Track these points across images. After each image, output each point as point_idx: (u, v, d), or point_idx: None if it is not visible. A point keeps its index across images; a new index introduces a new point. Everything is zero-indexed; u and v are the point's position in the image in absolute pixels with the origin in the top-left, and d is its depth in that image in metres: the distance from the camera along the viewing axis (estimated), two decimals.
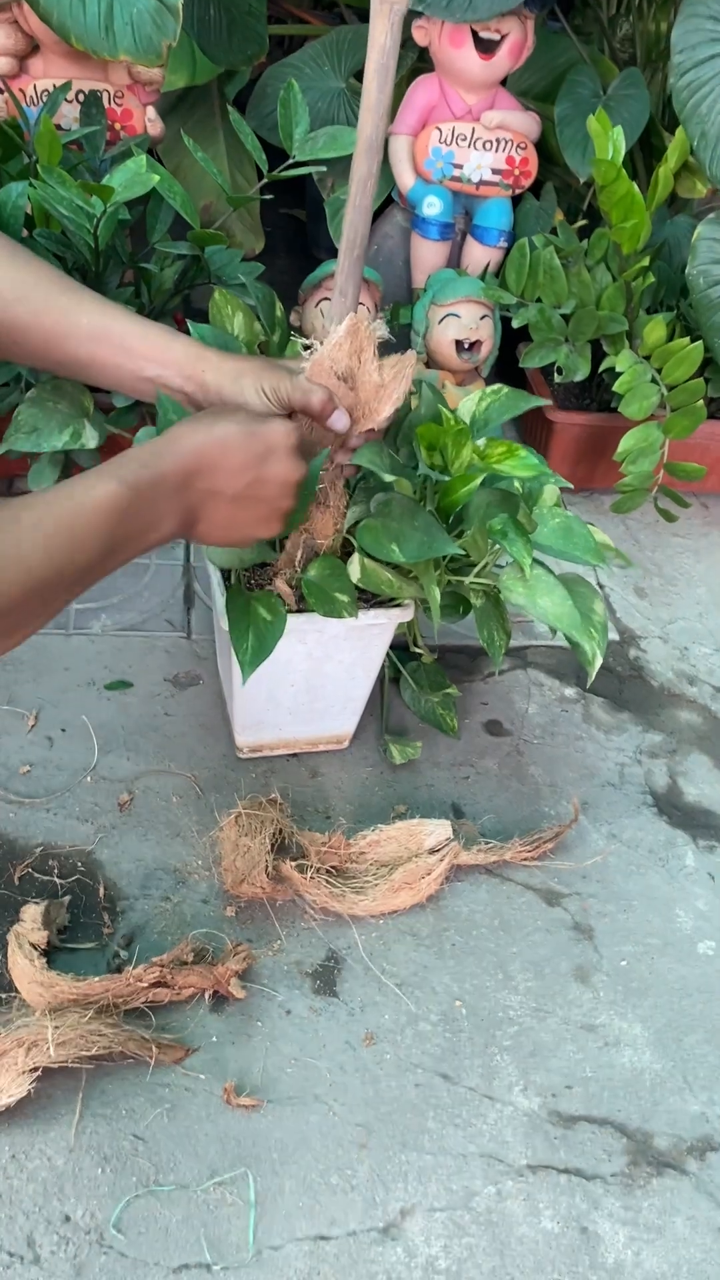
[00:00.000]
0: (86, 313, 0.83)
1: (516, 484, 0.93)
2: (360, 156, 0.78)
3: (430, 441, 0.89)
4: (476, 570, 0.97)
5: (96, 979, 0.87)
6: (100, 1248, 0.78)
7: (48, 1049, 0.82)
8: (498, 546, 0.97)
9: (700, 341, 1.30)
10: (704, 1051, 0.95)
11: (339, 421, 0.85)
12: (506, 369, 1.58)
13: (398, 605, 1.00)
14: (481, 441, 0.94)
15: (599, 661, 0.97)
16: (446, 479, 0.91)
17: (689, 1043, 0.96)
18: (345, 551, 0.98)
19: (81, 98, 1.33)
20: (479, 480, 0.91)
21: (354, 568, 0.93)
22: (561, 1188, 0.85)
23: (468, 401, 0.96)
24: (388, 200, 1.62)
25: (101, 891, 0.98)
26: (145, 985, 0.88)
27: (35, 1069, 0.82)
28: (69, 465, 1.26)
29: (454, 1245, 0.81)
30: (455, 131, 1.48)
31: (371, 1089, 0.89)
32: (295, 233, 2.04)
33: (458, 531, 0.95)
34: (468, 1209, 0.83)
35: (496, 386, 0.96)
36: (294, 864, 0.97)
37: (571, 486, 1.05)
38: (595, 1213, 0.84)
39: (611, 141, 1.19)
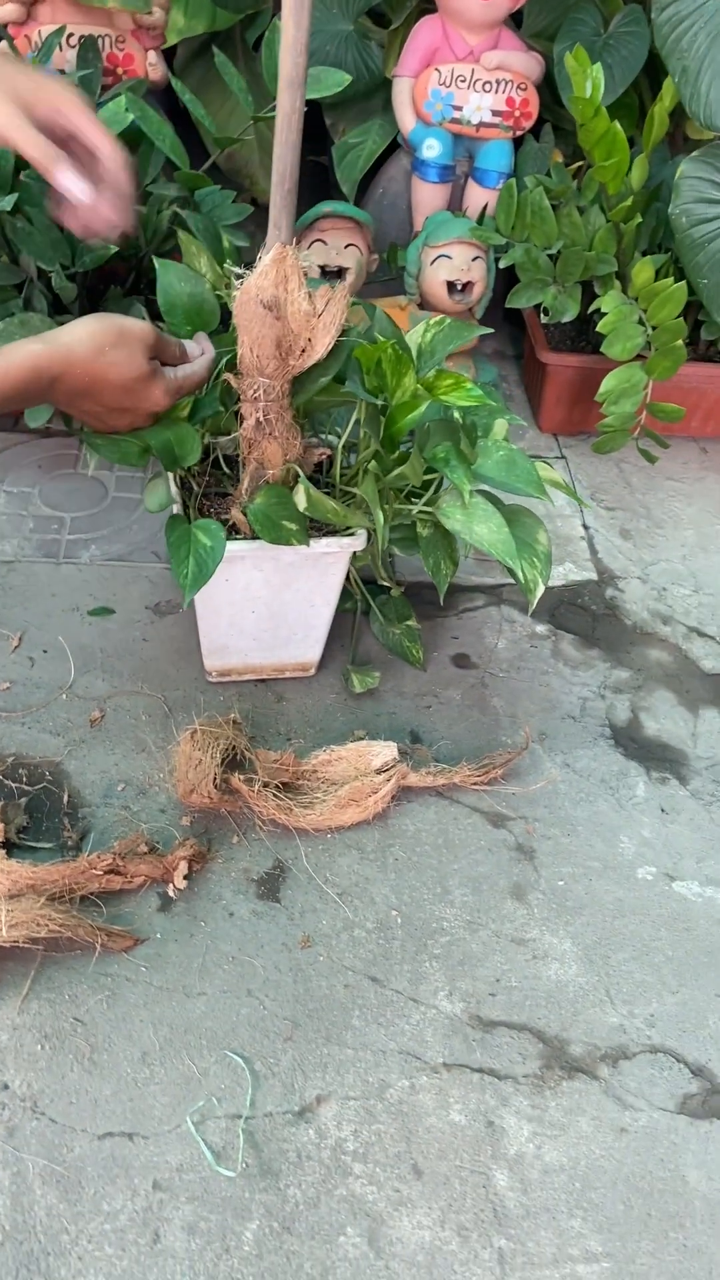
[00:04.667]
0: None
1: (456, 414, 0.95)
2: (283, 92, 0.81)
3: (368, 364, 0.92)
4: (424, 499, 1.01)
5: (52, 864, 0.94)
6: (33, 1113, 0.85)
7: (0, 929, 0.89)
8: (447, 484, 1.00)
9: (684, 282, 1.30)
10: (630, 969, 0.99)
11: (69, 183, 0.83)
12: (507, 312, 1.59)
13: (350, 534, 1.04)
14: (431, 373, 0.97)
15: (540, 589, 0.99)
16: (380, 402, 0.94)
17: (616, 959, 0.99)
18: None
19: (78, 42, 1.37)
20: (424, 407, 0.94)
21: (299, 497, 0.97)
22: (473, 1085, 0.90)
23: (414, 332, 0.99)
24: (394, 144, 1.64)
25: (65, 798, 1.05)
26: (99, 872, 0.95)
27: None
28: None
29: (363, 1130, 0.86)
30: (455, 73, 1.49)
31: (302, 987, 0.94)
32: (319, 180, 2.05)
33: (398, 456, 0.98)
34: (381, 1099, 0.88)
35: (440, 317, 0.99)
36: (243, 778, 1.03)
37: (523, 422, 1.07)
38: (503, 1109, 0.89)
39: (590, 78, 1.19)
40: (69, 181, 0.82)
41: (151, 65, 1.44)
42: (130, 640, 1.21)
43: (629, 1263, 0.81)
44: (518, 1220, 0.83)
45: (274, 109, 1.27)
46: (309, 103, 1.34)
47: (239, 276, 0.89)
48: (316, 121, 1.72)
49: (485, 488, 0.99)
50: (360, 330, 0.97)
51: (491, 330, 1.05)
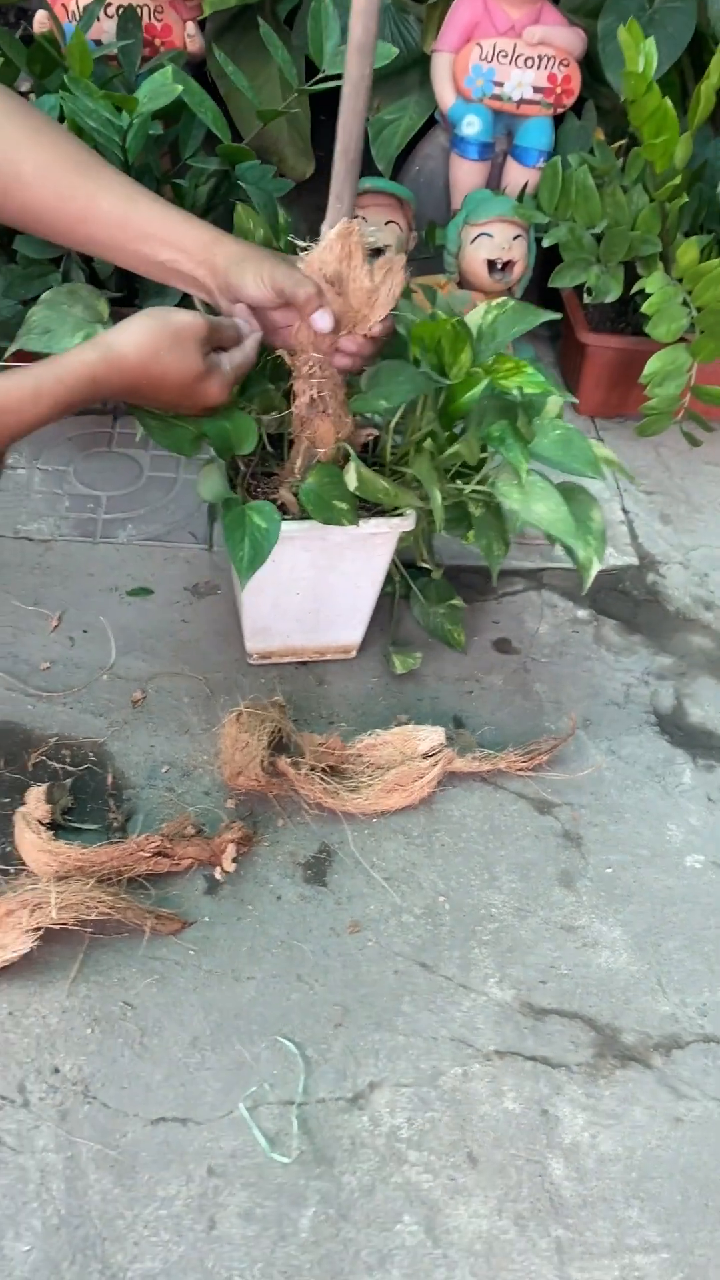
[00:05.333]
0: (108, 196, 0.86)
1: (515, 392, 0.94)
2: (352, 58, 0.79)
3: (426, 340, 0.91)
4: (477, 479, 0.99)
5: (101, 846, 0.93)
6: (85, 1098, 0.84)
7: (50, 911, 0.88)
8: (500, 458, 0.99)
9: None
10: (681, 957, 0.98)
11: (321, 321, 0.87)
12: (544, 292, 1.57)
13: (399, 514, 1.02)
14: (490, 358, 0.96)
15: (595, 568, 0.97)
16: (447, 382, 0.92)
17: (667, 948, 0.98)
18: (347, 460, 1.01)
19: (118, 12, 1.34)
20: (482, 385, 0.92)
21: (350, 476, 0.95)
22: (526, 1073, 0.89)
23: (474, 314, 0.97)
24: (430, 121, 1.61)
25: (109, 780, 1.04)
26: (147, 854, 0.94)
27: (38, 928, 0.87)
28: None
29: (417, 1118, 0.86)
30: (496, 48, 1.46)
31: (352, 972, 0.93)
32: None
33: (449, 435, 0.96)
34: (434, 1086, 0.88)
35: (503, 299, 0.97)
36: (290, 761, 1.01)
37: (576, 401, 1.05)
38: (557, 1097, 0.88)
39: (643, 53, 1.17)
40: (320, 319, 0.88)
41: (190, 36, 1.42)
42: (170, 621, 1.20)
43: (688, 1253, 0.80)
44: (575, 1210, 0.82)
45: (319, 81, 1.25)
46: (338, 78, 1.32)
47: (304, 249, 0.87)
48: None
49: (536, 466, 0.97)
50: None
51: (559, 315, 1.03)
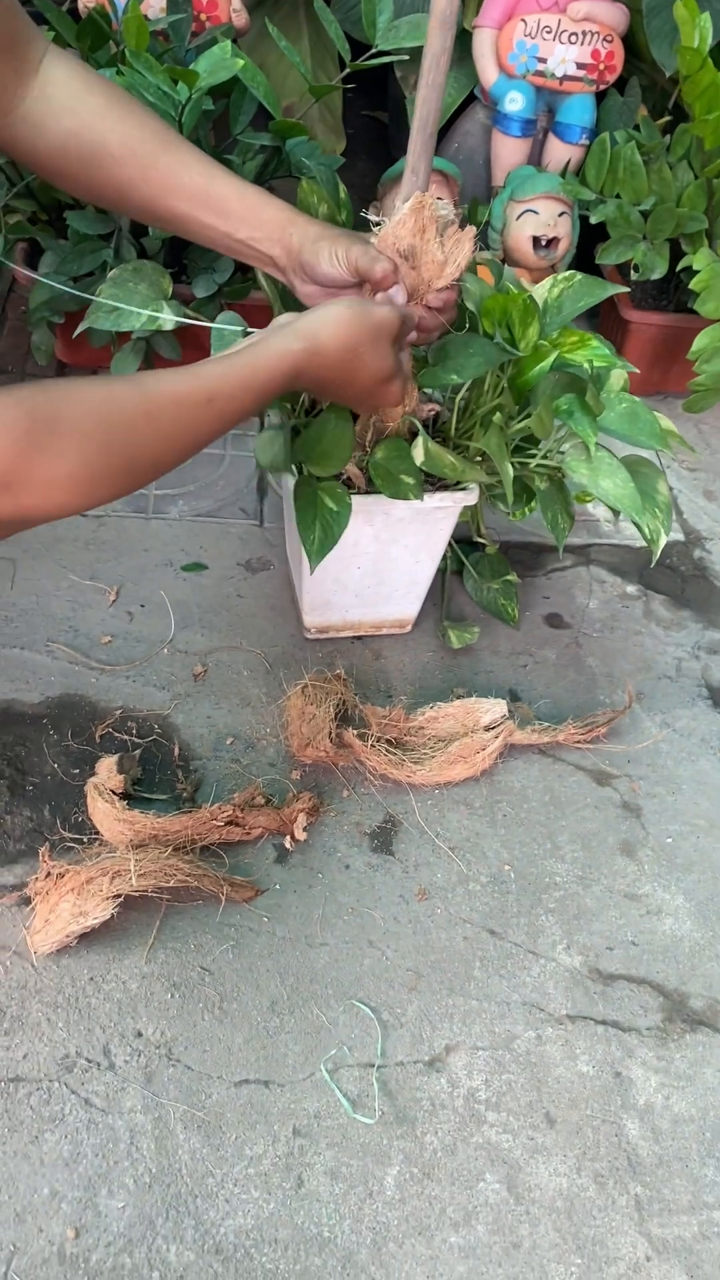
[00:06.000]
0: (189, 172, 0.86)
1: (585, 365, 0.94)
2: (434, 31, 0.79)
3: (498, 314, 0.91)
4: (541, 454, 1.00)
5: (174, 815, 0.94)
6: (169, 1060, 0.85)
7: (130, 878, 0.89)
8: (562, 432, 0.99)
9: None
10: None
11: (396, 297, 0.87)
12: (585, 269, 1.57)
13: (463, 489, 1.03)
14: (555, 331, 0.96)
15: (663, 540, 0.98)
16: (520, 354, 0.93)
17: None
18: (413, 435, 1.01)
19: None
20: (551, 359, 0.93)
21: (418, 450, 0.96)
22: (598, 1036, 0.91)
23: (540, 287, 0.98)
24: (470, 97, 1.61)
25: (176, 751, 1.05)
26: (220, 823, 0.95)
27: (118, 895, 0.88)
28: (150, 354, 1.30)
29: (494, 1080, 0.87)
30: (540, 23, 1.46)
31: (422, 938, 0.95)
32: (376, 136, 2.03)
33: (525, 413, 0.97)
34: (509, 1049, 0.89)
35: (570, 273, 0.97)
36: (356, 733, 1.03)
37: (638, 371, 1.06)
38: (629, 1060, 0.90)
39: (698, 28, 1.18)
40: (395, 293, 0.88)
41: (235, 11, 1.42)
42: (225, 596, 1.20)
43: None
44: (651, 1169, 0.84)
45: (372, 57, 1.26)
46: (378, 55, 1.32)
47: (376, 224, 0.88)
48: (374, 77, 1.69)
49: (600, 439, 0.98)
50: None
51: (628, 289, 1.03)
